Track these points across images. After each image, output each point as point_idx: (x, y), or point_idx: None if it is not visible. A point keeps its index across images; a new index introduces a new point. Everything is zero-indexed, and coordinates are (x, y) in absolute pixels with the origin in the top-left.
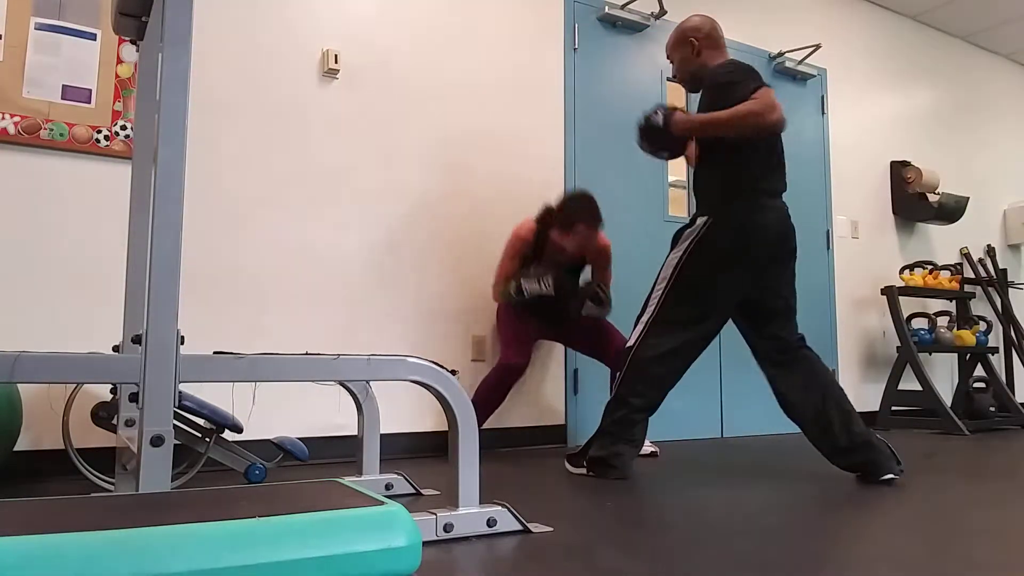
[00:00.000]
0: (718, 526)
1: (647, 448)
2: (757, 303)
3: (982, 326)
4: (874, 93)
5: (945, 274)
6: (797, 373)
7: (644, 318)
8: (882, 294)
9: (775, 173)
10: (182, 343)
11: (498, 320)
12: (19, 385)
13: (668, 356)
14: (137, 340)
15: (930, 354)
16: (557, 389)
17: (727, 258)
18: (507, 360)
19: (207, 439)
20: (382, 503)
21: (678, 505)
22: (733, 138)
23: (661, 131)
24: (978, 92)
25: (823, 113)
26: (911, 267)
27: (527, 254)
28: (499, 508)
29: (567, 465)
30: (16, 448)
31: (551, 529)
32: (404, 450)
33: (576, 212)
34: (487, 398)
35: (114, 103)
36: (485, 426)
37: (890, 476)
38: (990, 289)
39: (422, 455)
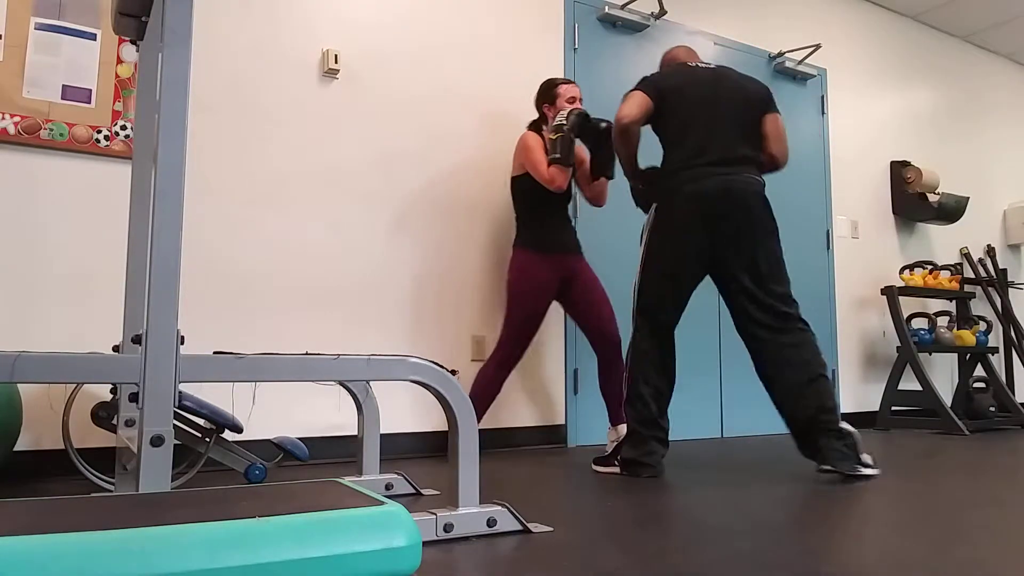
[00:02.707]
0: (718, 526)
1: None
2: (725, 273)
3: (982, 326)
4: (874, 93)
5: (945, 274)
6: (785, 344)
7: (632, 310)
8: (882, 294)
9: (719, 143)
10: (182, 343)
11: (514, 286)
12: (19, 385)
13: (657, 338)
14: (137, 340)
15: (930, 354)
16: (557, 389)
17: (672, 230)
18: (507, 350)
19: (207, 439)
20: (382, 503)
21: (678, 505)
22: (626, 144)
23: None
24: (978, 92)
25: (823, 113)
26: (911, 267)
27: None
28: (499, 508)
29: (594, 467)
30: (16, 448)
31: (551, 529)
32: (404, 450)
33: (545, 85)
34: (486, 390)
35: (114, 103)
36: (485, 426)
37: (827, 468)
38: (990, 289)
39: (422, 455)
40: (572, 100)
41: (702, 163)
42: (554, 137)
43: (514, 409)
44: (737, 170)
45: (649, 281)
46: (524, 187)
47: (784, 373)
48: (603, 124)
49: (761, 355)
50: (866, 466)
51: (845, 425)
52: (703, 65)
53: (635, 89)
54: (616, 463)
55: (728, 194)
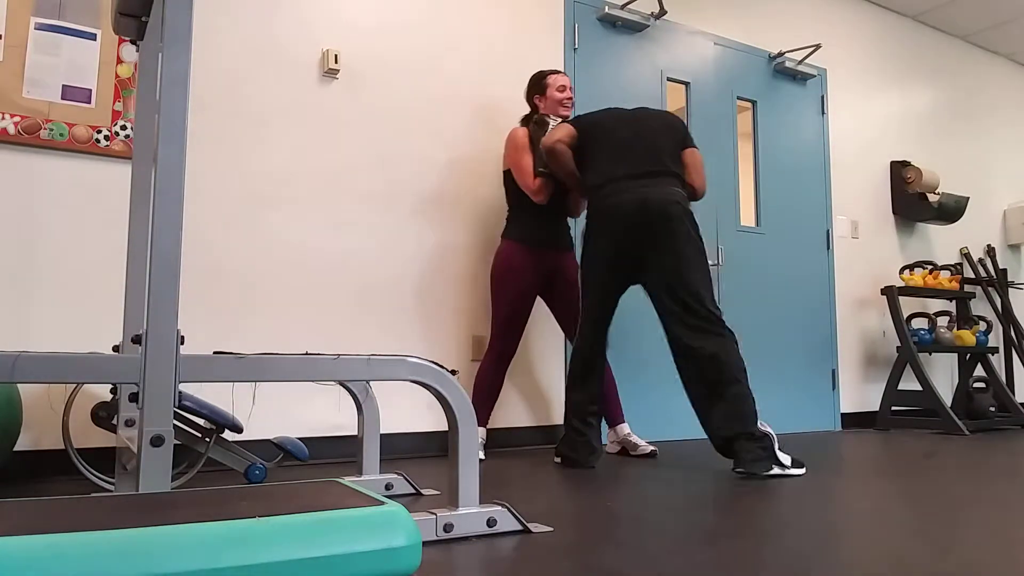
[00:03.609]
0: (718, 526)
1: (646, 448)
2: (647, 280)
3: (982, 326)
4: (874, 93)
5: (945, 274)
6: (703, 349)
7: (579, 318)
8: (882, 294)
9: (637, 159)
10: (182, 343)
11: (498, 279)
12: (19, 385)
13: (590, 339)
14: (137, 340)
15: (930, 354)
16: (557, 389)
17: (594, 244)
18: (501, 344)
19: (207, 439)
20: (382, 503)
21: (678, 505)
22: (559, 166)
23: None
24: (978, 92)
25: (823, 113)
26: (911, 267)
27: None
28: (499, 508)
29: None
30: (16, 448)
31: (551, 529)
32: (404, 450)
33: (535, 77)
34: (489, 388)
35: (114, 103)
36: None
37: (741, 471)
38: (990, 289)
39: (422, 455)
40: (563, 89)
41: (620, 176)
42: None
43: (513, 409)
44: (655, 182)
45: (583, 290)
46: (515, 182)
47: (700, 379)
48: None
49: (680, 359)
50: (783, 466)
51: (762, 426)
52: (623, 108)
53: (560, 123)
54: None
55: (645, 204)
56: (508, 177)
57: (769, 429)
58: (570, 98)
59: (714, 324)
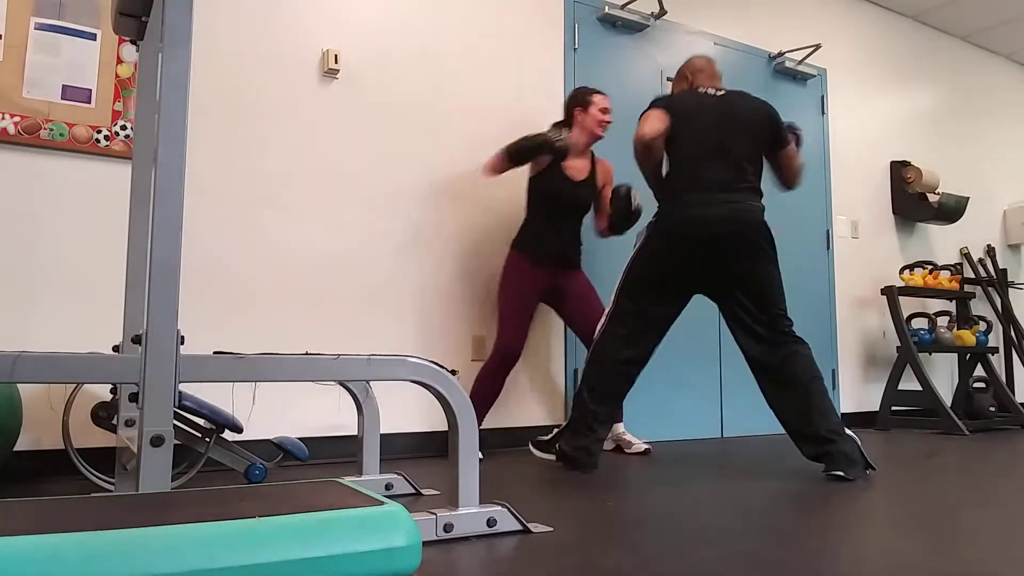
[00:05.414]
0: (718, 526)
1: (640, 446)
2: (727, 294)
3: (982, 326)
4: (874, 93)
5: (945, 274)
6: (781, 359)
7: (607, 311)
8: (882, 294)
9: (724, 169)
10: (182, 343)
11: (502, 286)
12: (19, 385)
13: (623, 345)
14: (137, 340)
15: (930, 354)
16: (557, 389)
17: (662, 251)
18: (506, 346)
19: (207, 439)
20: (382, 503)
21: (678, 505)
22: (650, 160)
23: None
24: (978, 92)
25: (823, 113)
26: (911, 267)
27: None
28: (499, 508)
29: (532, 449)
30: (16, 448)
31: (551, 529)
32: (404, 450)
33: (580, 92)
34: (488, 391)
35: (114, 103)
36: (486, 426)
37: (839, 473)
38: (990, 289)
39: (422, 455)
40: (605, 111)
41: (705, 186)
42: (554, 135)
43: (514, 409)
44: (741, 197)
45: (632, 289)
46: (536, 189)
47: (788, 386)
48: (635, 203)
49: (763, 371)
50: (870, 468)
51: (848, 431)
52: (714, 92)
53: (651, 108)
54: (554, 451)
55: (733, 221)
56: (529, 183)
57: (852, 433)
58: (609, 122)
59: (792, 336)
